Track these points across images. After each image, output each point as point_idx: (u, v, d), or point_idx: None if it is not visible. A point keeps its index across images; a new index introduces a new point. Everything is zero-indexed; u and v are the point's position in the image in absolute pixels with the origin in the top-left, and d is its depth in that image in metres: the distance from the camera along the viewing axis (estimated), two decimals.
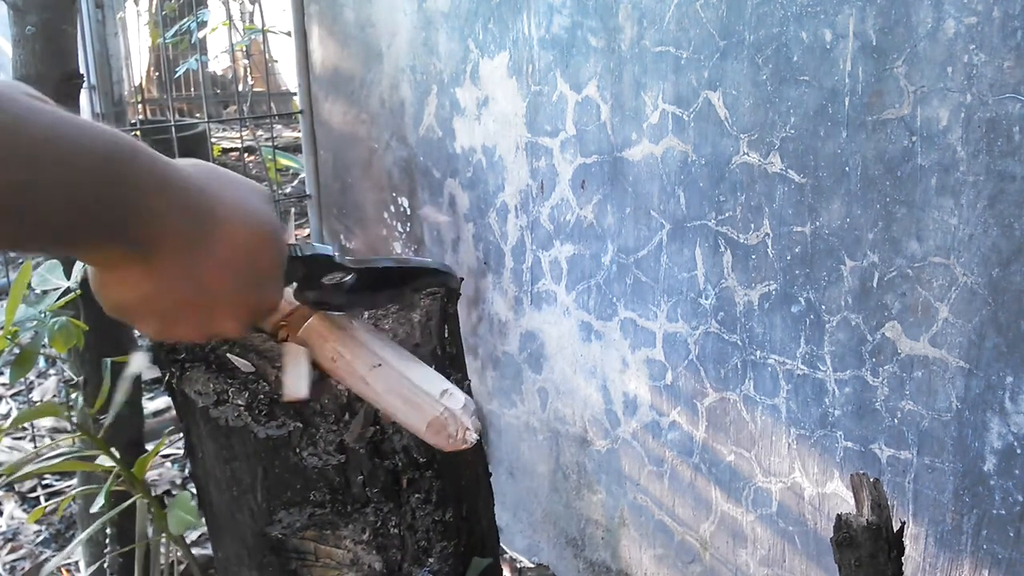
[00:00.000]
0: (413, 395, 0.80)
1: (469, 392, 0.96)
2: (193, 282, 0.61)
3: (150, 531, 1.42)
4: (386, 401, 0.81)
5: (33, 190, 0.47)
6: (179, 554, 1.42)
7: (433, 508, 0.91)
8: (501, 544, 2.23)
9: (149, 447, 1.74)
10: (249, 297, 0.66)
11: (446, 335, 0.95)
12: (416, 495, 0.90)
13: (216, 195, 0.62)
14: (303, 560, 0.92)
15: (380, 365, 0.80)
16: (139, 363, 1.30)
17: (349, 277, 0.78)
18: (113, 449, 1.32)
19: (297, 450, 0.86)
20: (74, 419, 1.29)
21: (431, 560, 0.92)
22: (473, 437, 0.78)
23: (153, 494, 2.17)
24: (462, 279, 1.00)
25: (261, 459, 0.88)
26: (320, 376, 0.84)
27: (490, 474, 1.11)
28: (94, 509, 1.29)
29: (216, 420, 0.87)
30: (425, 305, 0.95)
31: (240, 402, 0.86)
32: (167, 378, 0.91)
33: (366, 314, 0.96)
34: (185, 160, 0.63)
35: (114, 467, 1.32)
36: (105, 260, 0.58)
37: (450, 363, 0.95)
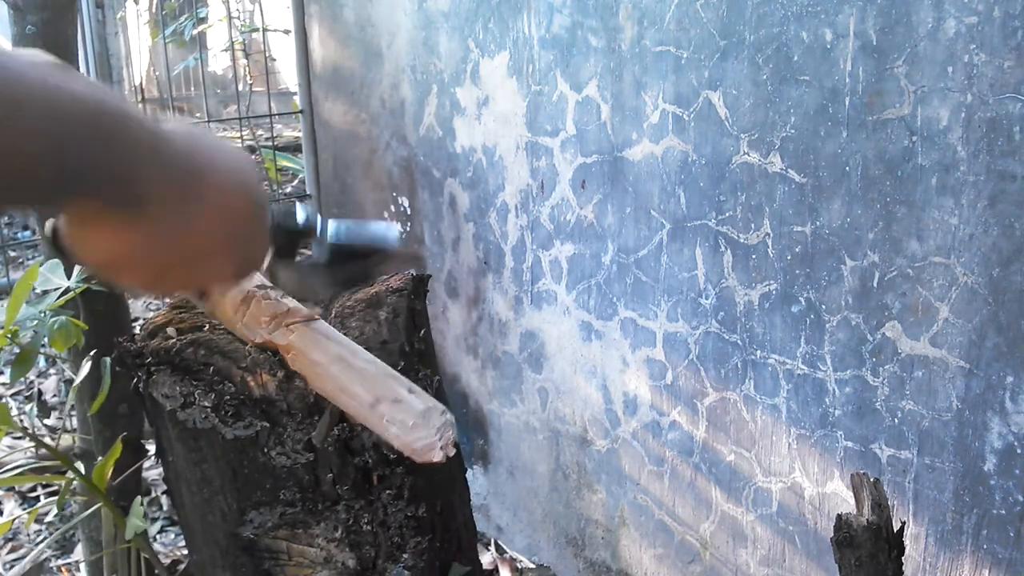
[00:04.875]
0: (386, 416, 0.79)
1: (441, 389, 0.96)
2: (180, 237, 0.61)
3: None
4: (364, 419, 0.81)
5: (18, 142, 0.49)
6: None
7: (405, 504, 0.91)
8: (501, 544, 2.22)
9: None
10: (236, 251, 0.67)
11: (414, 331, 0.95)
12: (387, 491, 0.89)
13: (204, 154, 0.63)
14: (276, 560, 0.92)
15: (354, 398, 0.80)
16: (86, 368, 1.30)
17: (319, 255, 0.79)
18: (78, 463, 1.31)
19: (265, 450, 0.86)
20: (29, 428, 1.28)
21: (405, 556, 0.92)
22: (439, 456, 0.77)
23: (153, 494, 2.16)
24: (429, 276, 1.02)
25: (230, 460, 0.88)
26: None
27: (465, 469, 1.11)
28: (49, 519, 1.29)
29: (184, 423, 0.87)
30: (392, 302, 0.95)
31: (207, 404, 0.85)
32: (134, 382, 0.90)
33: (332, 312, 0.96)
34: (173, 123, 0.64)
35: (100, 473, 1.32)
36: (90, 215, 0.59)
37: (419, 359, 0.95)
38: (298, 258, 0.79)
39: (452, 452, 0.77)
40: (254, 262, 0.69)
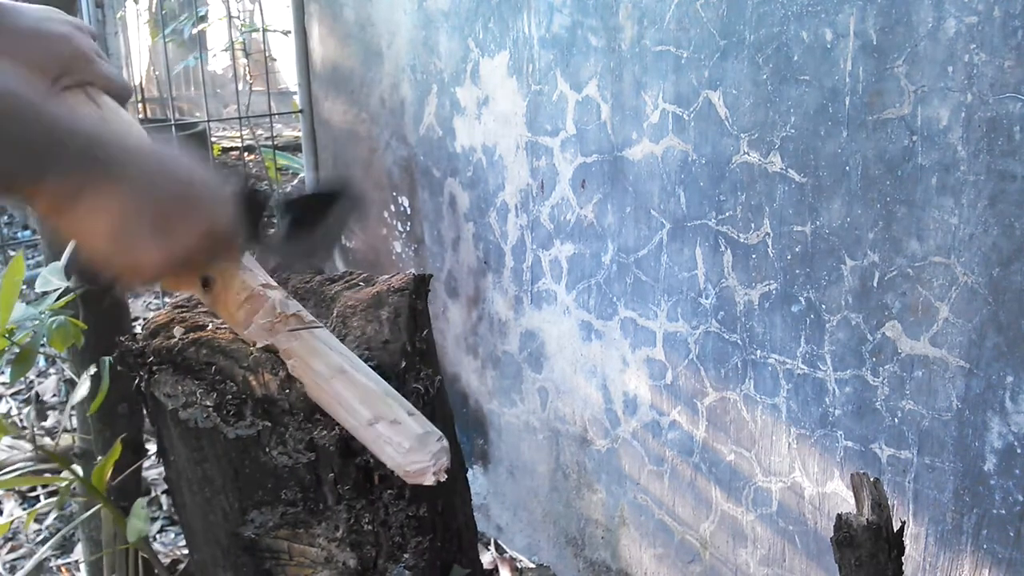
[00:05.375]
0: (377, 436, 0.79)
1: (442, 389, 0.96)
2: (97, 218, 0.65)
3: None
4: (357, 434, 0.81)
5: None
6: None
7: (407, 504, 0.91)
8: (501, 543, 2.23)
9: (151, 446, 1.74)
10: (165, 233, 0.68)
11: (416, 331, 0.95)
12: (389, 491, 0.89)
13: (113, 145, 0.68)
14: (277, 559, 0.92)
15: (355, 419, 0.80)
16: (86, 385, 1.31)
17: (281, 224, 0.80)
18: (75, 465, 1.31)
19: (267, 449, 0.86)
20: (28, 433, 1.28)
21: (406, 556, 0.92)
22: (430, 480, 0.77)
23: (153, 494, 2.16)
24: (430, 276, 1.01)
25: (231, 460, 0.88)
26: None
27: (466, 469, 1.11)
28: (48, 521, 1.29)
29: (186, 422, 0.87)
30: (393, 302, 0.95)
31: (208, 403, 0.85)
32: (136, 382, 0.90)
33: (335, 312, 0.96)
34: (83, 110, 0.72)
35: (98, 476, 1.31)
36: (60, 197, 0.63)
37: (420, 359, 0.95)
38: (264, 233, 0.79)
39: (444, 478, 0.77)
40: (193, 245, 0.70)
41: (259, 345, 0.83)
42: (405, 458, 0.77)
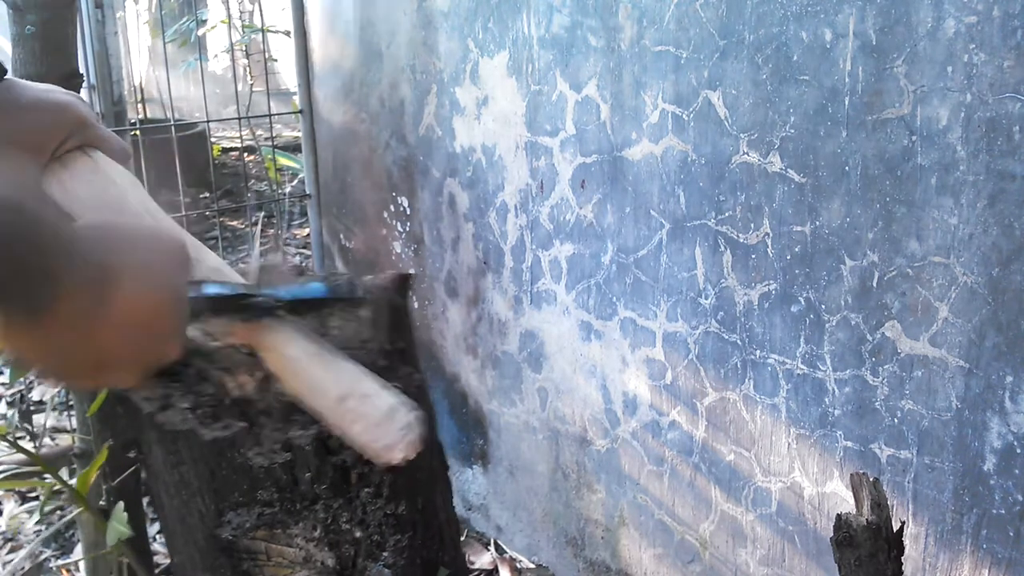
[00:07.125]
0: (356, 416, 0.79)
1: (423, 388, 0.96)
2: (85, 343, 0.59)
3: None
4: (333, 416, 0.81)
5: None
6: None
7: (385, 502, 0.91)
8: (501, 543, 2.22)
9: None
10: (143, 354, 0.65)
11: (396, 330, 0.95)
12: (366, 489, 0.90)
13: (118, 258, 0.62)
14: (255, 560, 0.92)
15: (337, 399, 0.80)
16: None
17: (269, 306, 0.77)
18: (67, 468, 1.31)
19: (243, 450, 0.86)
20: (10, 436, 1.28)
21: (385, 554, 0.92)
22: (397, 456, 0.76)
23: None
24: (412, 274, 1.01)
25: (208, 461, 0.88)
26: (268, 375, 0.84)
27: (448, 467, 1.11)
28: (29, 525, 1.29)
29: (162, 425, 0.87)
30: (372, 300, 0.95)
31: (185, 405, 0.86)
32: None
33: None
34: (92, 221, 0.64)
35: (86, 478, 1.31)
36: None
37: (400, 357, 0.95)
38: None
39: (412, 454, 0.77)
40: (161, 360, 0.67)
41: (234, 341, 0.83)
42: (373, 433, 0.77)
